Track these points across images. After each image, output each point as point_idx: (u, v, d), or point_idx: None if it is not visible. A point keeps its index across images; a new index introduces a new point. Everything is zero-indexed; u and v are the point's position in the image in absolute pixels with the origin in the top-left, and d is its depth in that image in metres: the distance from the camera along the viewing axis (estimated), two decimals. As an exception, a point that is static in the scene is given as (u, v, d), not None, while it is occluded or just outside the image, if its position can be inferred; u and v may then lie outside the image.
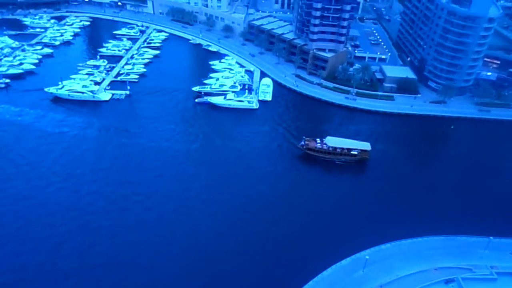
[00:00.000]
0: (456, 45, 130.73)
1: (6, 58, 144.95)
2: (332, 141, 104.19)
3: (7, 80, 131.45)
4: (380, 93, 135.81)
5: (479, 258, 74.10)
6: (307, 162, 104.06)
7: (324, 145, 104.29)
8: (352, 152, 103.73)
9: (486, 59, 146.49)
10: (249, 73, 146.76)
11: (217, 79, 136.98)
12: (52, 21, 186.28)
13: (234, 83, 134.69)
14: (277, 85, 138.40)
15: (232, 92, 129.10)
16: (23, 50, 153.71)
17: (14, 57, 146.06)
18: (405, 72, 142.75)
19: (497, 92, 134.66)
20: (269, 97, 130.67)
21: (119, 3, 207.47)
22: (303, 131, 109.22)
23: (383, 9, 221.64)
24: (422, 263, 72.24)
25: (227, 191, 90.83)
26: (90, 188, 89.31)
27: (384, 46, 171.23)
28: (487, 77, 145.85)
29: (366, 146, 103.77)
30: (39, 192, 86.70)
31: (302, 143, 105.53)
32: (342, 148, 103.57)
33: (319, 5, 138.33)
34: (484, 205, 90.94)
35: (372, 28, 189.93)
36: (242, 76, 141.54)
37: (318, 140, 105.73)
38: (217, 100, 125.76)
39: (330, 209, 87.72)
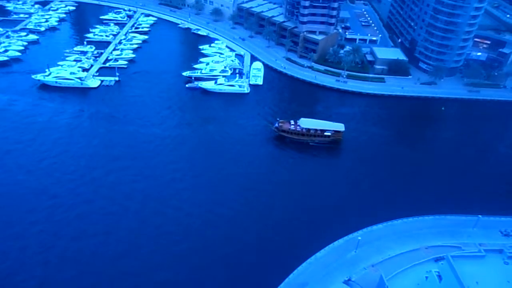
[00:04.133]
0: (447, 26, 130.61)
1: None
2: (306, 123, 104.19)
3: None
4: (371, 75, 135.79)
5: (468, 236, 75.91)
6: (280, 144, 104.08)
7: (298, 127, 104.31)
8: (326, 133, 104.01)
9: (476, 39, 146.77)
10: (240, 57, 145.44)
11: (207, 64, 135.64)
12: (36, 6, 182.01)
13: (225, 67, 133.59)
14: (268, 68, 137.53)
15: (223, 76, 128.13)
16: (8, 37, 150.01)
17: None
18: (396, 54, 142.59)
19: (486, 73, 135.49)
20: (260, 81, 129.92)
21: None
22: (293, 115, 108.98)
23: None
24: (413, 243, 73.67)
25: (216, 175, 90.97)
26: (79, 176, 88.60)
27: (375, 28, 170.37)
28: (477, 57, 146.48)
29: (339, 127, 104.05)
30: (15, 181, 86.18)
31: (276, 125, 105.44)
32: (316, 130, 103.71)
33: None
34: (474, 184, 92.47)
35: (363, 10, 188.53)
36: (232, 61, 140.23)
37: (292, 122, 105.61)
38: (208, 85, 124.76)
39: (317, 191, 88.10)
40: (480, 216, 77.28)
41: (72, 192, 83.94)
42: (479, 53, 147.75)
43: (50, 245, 71.81)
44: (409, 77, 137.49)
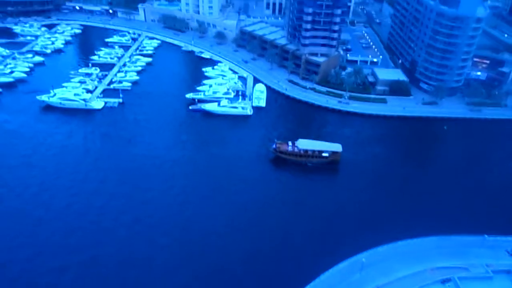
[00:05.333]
0: (446, 46, 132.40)
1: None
2: (304, 144, 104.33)
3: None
4: (372, 96, 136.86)
5: (475, 257, 74.53)
6: (278, 165, 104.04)
7: (296, 148, 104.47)
8: (323, 154, 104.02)
9: (475, 59, 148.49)
10: (242, 79, 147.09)
11: (211, 86, 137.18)
12: (43, 29, 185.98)
13: (228, 89, 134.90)
14: (270, 90, 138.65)
15: (226, 98, 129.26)
16: (14, 58, 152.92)
17: (5, 66, 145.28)
18: (397, 75, 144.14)
19: (487, 92, 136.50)
20: (263, 103, 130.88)
21: (110, 11, 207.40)
22: (295, 136, 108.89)
23: (373, 13, 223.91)
24: (418, 264, 72.57)
25: (218, 199, 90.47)
26: (80, 199, 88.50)
27: (376, 49, 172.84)
28: (477, 77, 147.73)
29: (337, 147, 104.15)
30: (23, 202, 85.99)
31: (274, 146, 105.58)
32: (313, 150, 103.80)
33: (310, 10, 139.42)
34: (478, 204, 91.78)
35: (363, 32, 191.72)
36: (235, 83, 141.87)
37: (290, 143, 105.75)
38: (211, 107, 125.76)
39: (318, 213, 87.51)
40: (486, 235, 76.40)
41: (68, 217, 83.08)
42: (479, 73, 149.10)
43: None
44: (411, 97, 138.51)
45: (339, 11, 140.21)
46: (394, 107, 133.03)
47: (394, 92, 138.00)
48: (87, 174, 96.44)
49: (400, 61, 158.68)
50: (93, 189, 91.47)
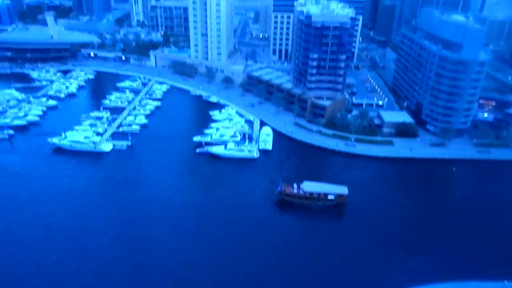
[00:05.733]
0: (451, 89, 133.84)
1: (12, 110, 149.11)
2: (309, 186, 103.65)
3: (11, 132, 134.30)
4: (379, 138, 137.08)
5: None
6: (283, 208, 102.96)
7: (301, 190, 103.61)
8: (329, 197, 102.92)
9: (481, 101, 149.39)
10: (249, 122, 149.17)
11: (218, 129, 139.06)
12: (58, 74, 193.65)
13: (234, 132, 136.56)
14: (277, 134, 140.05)
15: (233, 141, 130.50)
16: (29, 102, 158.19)
17: (20, 109, 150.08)
18: (403, 117, 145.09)
19: (495, 133, 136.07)
20: (269, 146, 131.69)
21: (123, 57, 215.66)
22: (302, 179, 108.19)
23: (377, 57, 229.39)
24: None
25: (222, 243, 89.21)
26: (88, 242, 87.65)
27: (381, 92, 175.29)
28: (484, 118, 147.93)
29: (343, 190, 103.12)
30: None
31: (279, 188, 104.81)
32: (319, 193, 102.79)
33: (315, 56, 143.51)
34: (494, 248, 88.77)
35: (368, 76, 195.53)
36: (242, 126, 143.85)
37: (295, 185, 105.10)
38: (218, 149, 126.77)
39: (321, 259, 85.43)
40: (506, 281, 73.08)
41: (75, 258, 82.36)
42: (485, 114, 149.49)
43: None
44: (417, 139, 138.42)
45: (343, 56, 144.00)
46: (401, 148, 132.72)
47: (400, 134, 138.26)
48: (91, 217, 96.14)
49: (405, 104, 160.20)
50: (97, 231, 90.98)
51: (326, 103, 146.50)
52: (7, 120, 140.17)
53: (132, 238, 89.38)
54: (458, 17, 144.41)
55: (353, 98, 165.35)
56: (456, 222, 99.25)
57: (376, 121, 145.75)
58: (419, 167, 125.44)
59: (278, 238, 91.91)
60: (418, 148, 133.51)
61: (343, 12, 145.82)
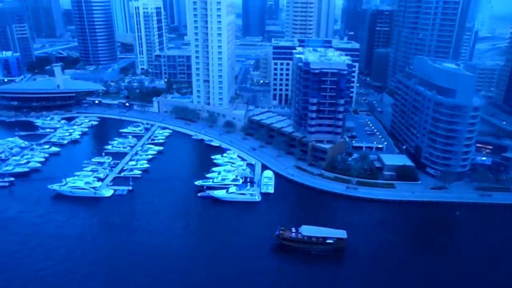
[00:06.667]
0: (448, 133, 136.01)
1: (14, 157, 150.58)
2: (307, 230, 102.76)
3: (12, 179, 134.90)
4: (380, 181, 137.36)
5: None
6: (281, 253, 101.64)
7: (299, 235, 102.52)
8: (328, 241, 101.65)
9: (478, 144, 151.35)
10: (251, 166, 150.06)
11: (219, 173, 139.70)
12: (63, 121, 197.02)
13: (236, 176, 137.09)
14: (278, 177, 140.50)
15: (234, 185, 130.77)
16: (32, 149, 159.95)
17: (22, 156, 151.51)
18: (403, 160, 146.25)
19: (494, 176, 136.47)
20: (271, 189, 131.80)
21: (127, 104, 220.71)
22: (304, 222, 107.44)
23: (374, 102, 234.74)
24: None
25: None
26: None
27: (380, 136, 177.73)
28: (482, 161, 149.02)
29: (341, 234, 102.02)
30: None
31: (277, 232, 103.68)
32: (317, 237, 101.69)
33: (315, 100, 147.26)
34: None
35: (367, 120, 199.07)
36: (243, 169, 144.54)
37: (293, 229, 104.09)
38: (220, 193, 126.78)
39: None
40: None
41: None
42: (484, 158, 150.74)
43: None
44: (419, 182, 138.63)
45: (342, 101, 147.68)
46: (403, 192, 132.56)
47: (401, 178, 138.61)
48: (90, 265, 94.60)
49: (404, 147, 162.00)
50: (95, 280, 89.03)
51: (327, 146, 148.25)
52: (9, 168, 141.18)
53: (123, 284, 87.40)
54: (449, 65, 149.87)
55: (353, 142, 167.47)
56: (460, 267, 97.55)
57: (377, 164, 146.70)
58: (422, 211, 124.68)
59: (275, 285, 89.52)
60: (420, 191, 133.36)
61: (339, 60, 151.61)
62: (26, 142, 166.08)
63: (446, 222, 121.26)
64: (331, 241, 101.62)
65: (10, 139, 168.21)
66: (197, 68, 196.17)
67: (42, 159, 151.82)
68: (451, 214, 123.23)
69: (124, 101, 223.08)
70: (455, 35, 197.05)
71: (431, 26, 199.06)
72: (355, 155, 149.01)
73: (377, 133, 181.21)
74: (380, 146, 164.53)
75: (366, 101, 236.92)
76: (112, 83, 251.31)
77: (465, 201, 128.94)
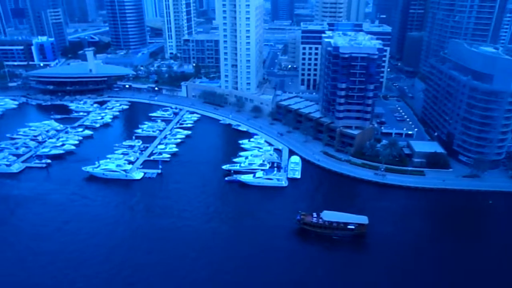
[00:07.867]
0: (483, 119, 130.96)
1: (50, 140, 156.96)
2: (328, 215, 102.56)
3: (48, 161, 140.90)
4: (410, 168, 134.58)
5: None
6: (302, 238, 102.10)
7: (320, 220, 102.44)
8: (349, 227, 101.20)
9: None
10: (278, 151, 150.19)
11: (247, 158, 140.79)
12: (95, 105, 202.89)
13: (263, 161, 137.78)
14: (305, 162, 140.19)
15: (261, 170, 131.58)
16: (67, 132, 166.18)
17: (58, 139, 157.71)
18: (434, 147, 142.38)
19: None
20: (298, 175, 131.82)
21: (156, 88, 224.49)
22: (329, 208, 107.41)
23: (405, 87, 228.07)
24: None
25: (240, 275, 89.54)
26: (107, 269, 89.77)
27: (410, 122, 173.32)
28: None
29: (363, 219, 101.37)
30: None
31: (298, 217, 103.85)
32: (338, 222, 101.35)
33: (343, 86, 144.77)
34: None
35: (397, 105, 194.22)
36: (271, 155, 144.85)
37: (315, 214, 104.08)
38: (247, 178, 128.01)
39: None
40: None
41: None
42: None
43: None
44: (450, 170, 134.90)
45: (371, 86, 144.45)
46: (433, 179, 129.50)
47: (431, 165, 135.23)
48: (118, 244, 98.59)
49: (436, 134, 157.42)
50: (121, 259, 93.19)
51: (355, 132, 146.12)
52: (46, 150, 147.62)
53: (155, 264, 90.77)
54: (487, 49, 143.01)
55: (382, 128, 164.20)
56: (493, 257, 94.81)
57: (406, 151, 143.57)
58: (452, 199, 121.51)
59: (293, 272, 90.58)
60: (451, 179, 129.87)
61: (370, 44, 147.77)
62: (61, 125, 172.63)
63: (478, 211, 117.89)
64: (352, 226, 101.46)
65: (46, 122, 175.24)
66: (225, 53, 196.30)
67: (76, 142, 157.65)
68: (484, 203, 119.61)
69: (153, 85, 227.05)
70: (494, 17, 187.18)
71: (469, 8, 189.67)
72: (384, 142, 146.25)
73: (407, 120, 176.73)
74: (410, 132, 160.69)
75: (397, 87, 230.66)
76: (141, 68, 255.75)
77: (499, 189, 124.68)
